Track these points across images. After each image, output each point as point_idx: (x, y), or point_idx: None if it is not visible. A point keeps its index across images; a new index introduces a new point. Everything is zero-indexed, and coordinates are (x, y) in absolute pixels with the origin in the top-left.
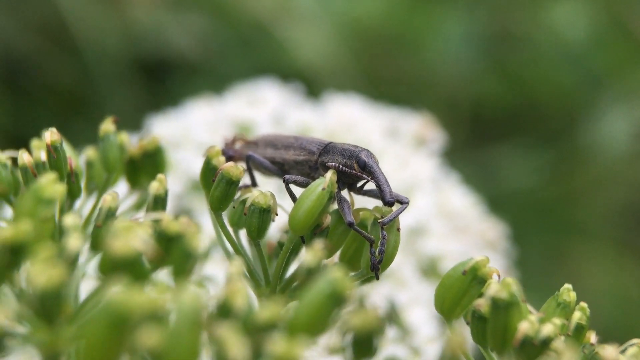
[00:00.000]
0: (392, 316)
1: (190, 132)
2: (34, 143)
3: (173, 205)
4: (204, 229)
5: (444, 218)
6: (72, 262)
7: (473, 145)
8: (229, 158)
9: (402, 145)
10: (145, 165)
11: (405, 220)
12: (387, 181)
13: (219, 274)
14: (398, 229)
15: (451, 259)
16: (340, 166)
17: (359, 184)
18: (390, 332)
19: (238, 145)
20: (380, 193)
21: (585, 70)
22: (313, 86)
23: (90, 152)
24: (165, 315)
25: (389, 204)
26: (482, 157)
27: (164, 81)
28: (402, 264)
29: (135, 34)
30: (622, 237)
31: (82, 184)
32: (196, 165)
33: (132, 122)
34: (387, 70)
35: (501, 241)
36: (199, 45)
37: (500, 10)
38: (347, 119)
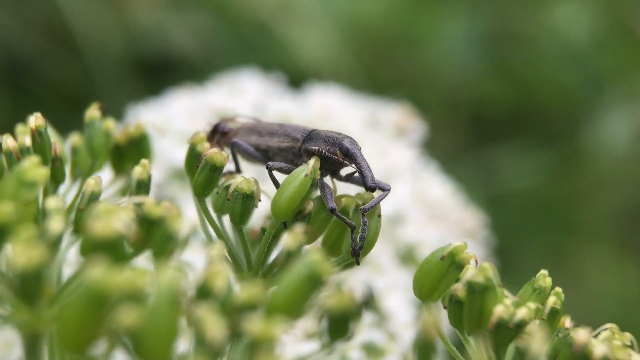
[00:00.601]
0: (369, 300)
1: (171, 121)
2: (19, 128)
3: (154, 194)
4: (185, 216)
5: (422, 206)
6: (54, 243)
7: (474, 146)
8: (222, 134)
9: (381, 135)
10: (131, 152)
11: (384, 208)
12: (369, 167)
13: (199, 261)
14: (379, 216)
15: (429, 246)
16: (323, 151)
17: (342, 171)
18: (368, 318)
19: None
20: (362, 179)
21: (587, 71)
22: (319, 83)
23: (75, 138)
24: (144, 295)
25: (370, 189)
26: (484, 158)
27: (165, 81)
28: (380, 251)
29: (136, 33)
30: (623, 238)
31: (67, 169)
32: (177, 155)
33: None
34: (388, 70)
35: (480, 230)
36: (201, 45)
37: (502, 11)
38: (327, 109)
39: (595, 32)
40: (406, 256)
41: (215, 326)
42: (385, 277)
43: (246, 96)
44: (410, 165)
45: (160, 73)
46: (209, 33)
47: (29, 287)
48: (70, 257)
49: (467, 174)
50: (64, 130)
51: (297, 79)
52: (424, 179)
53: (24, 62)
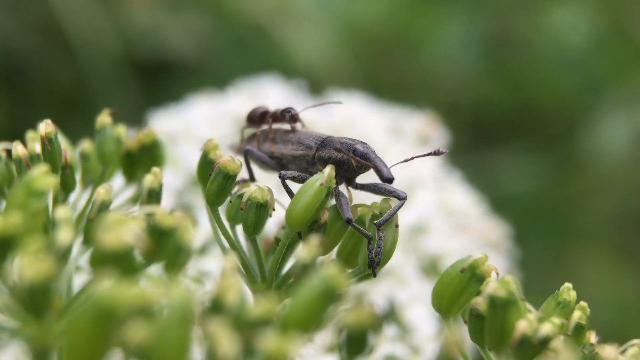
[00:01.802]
0: (390, 314)
1: (192, 127)
2: (29, 135)
3: (173, 201)
4: (202, 225)
5: (446, 216)
6: (62, 255)
7: (472, 149)
8: (292, 118)
9: (405, 144)
10: (143, 159)
11: (407, 218)
12: (384, 163)
13: (218, 270)
14: (396, 226)
15: (452, 257)
16: (337, 154)
17: (357, 179)
18: (390, 331)
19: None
20: (377, 173)
21: (585, 74)
22: (312, 88)
23: (86, 145)
24: (154, 310)
25: (388, 180)
26: (482, 161)
27: (162, 82)
28: (403, 262)
29: (132, 34)
30: (621, 242)
31: (78, 176)
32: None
33: (129, 122)
34: (386, 73)
35: (504, 241)
36: (198, 46)
37: (500, 14)
38: (350, 117)
39: (593, 35)
40: (429, 267)
41: (227, 342)
42: (407, 289)
43: (268, 102)
44: (433, 174)
45: (156, 74)
46: (206, 34)
47: (37, 300)
48: (82, 263)
49: (464, 177)
50: (60, 131)
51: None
52: (447, 188)
53: (20, 63)
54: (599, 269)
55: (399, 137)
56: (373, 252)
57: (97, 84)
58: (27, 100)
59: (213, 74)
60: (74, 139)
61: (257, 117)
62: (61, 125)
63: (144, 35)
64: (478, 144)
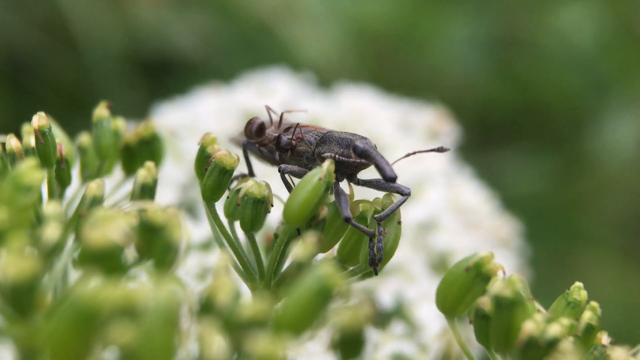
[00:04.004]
0: (396, 312)
1: (198, 121)
2: (26, 128)
3: (178, 196)
4: (206, 221)
5: (455, 213)
6: (49, 252)
7: (478, 149)
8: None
9: (414, 139)
10: (142, 153)
11: (416, 214)
12: (385, 160)
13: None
14: (399, 222)
15: (462, 254)
16: (337, 156)
17: (359, 174)
18: (398, 328)
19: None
20: (380, 172)
21: (592, 75)
22: (319, 85)
23: (83, 138)
24: (138, 311)
25: (390, 179)
26: (487, 161)
27: (167, 80)
28: (411, 259)
29: (137, 32)
30: (627, 244)
31: (76, 171)
32: None
33: (134, 121)
34: (392, 72)
35: (514, 239)
36: (202, 44)
37: (506, 14)
38: (359, 111)
39: (600, 36)
40: (439, 264)
41: (215, 344)
42: (416, 287)
43: (276, 96)
44: (443, 170)
45: (160, 72)
46: (211, 32)
47: (22, 299)
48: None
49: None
50: (63, 129)
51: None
52: (457, 185)
53: (25, 60)
54: (604, 271)
55: (408, 132)
56: (374, 248)
57: (102, 81)
58: (31, 98)
59: (218, 73)
60: (77, 136)
61: (254, 133)
62: (65, 122)
63: (149, 34)
64: (484, 144)
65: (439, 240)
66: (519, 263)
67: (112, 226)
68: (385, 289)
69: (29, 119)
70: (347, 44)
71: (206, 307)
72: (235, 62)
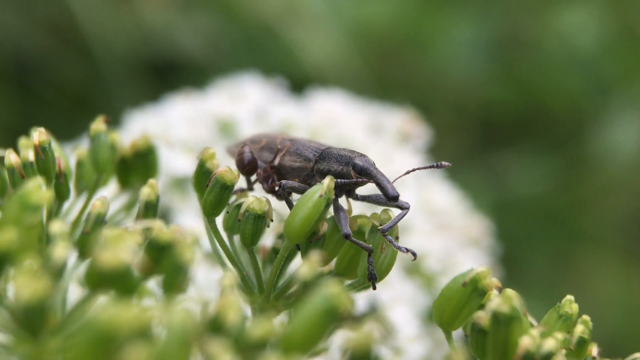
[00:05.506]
0: (371, 315)
1: (171, 128)
2: (22, 142)
3: None
4: (186, 230)
5: (427, 215)
6: (57, 271)
7: (481, 150)
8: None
9: (386, 141)
10: (137, 166)
11: None
12: (387, 178)
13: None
14: (397, 237)
15: (434, 257)
16: (338, 180)
17: (357, 190)
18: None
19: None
20: (382, 190)
21: (594, 76)
22: (321, 88)
23: (80, 152)
24: (153, 332)
25: (393, 199)
26: (490, 163)
27: (172, 82)
28: None
29: (143, 33)
30: (630, 246)
31: (72, 183)
32: (176, 163)
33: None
34: (395, 74)
35: (485, 237)
36: (208, 46)
37: (509, 16)
38: (330, 115)
39: (602, 37)
40: (411, 267)
41: None
42: (389, 290)
43: (247, 101)
44: (415, 172)
45: (166, 74)
46: (216, 34)
47: (33, 319)
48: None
49: (473, 179)
50: (69, 130)
51: (303, 82)
52: (429, 187)
53: (31, 61)
54: (606, 272)
55: (379, 135)
56: (374, 262)
57: (108, 83)
58: (37, 100)
59: (223, 74)
60: (82, 137)
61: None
62: (71, 124)
63: (154, 35)
64: (487, 145)
65: (412, 242)
66: (490, 261)
67: (123, 246)
68: (359, 293)
69: (35, 121)
70: (350, 46)
71: (215, 327)
72: (240, 63)
